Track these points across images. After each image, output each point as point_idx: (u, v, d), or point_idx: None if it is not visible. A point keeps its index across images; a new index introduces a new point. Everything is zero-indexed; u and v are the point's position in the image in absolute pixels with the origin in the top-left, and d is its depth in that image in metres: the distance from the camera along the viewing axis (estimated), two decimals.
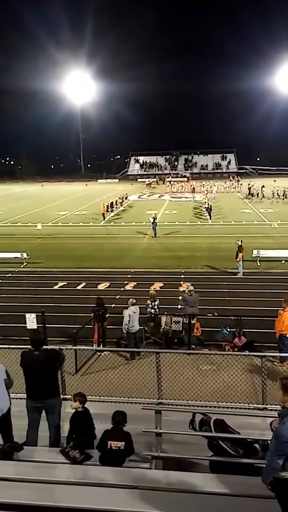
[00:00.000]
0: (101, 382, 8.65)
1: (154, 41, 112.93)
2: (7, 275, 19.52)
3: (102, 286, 17.51)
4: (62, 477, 4.84)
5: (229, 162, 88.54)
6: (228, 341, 11.49)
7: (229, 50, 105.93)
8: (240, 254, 18.32)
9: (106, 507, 4.27)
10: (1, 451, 5.37)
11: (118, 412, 5.43)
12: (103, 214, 35.19)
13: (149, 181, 66.69)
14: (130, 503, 4.34)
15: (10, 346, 8.02)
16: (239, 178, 62.35)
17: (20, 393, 5.98)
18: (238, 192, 53.69)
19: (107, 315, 11.85)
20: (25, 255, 21.42)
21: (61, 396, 6.35)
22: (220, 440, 5.20)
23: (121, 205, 42.11)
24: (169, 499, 4.46)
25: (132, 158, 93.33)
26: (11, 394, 5.80)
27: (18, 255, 21.49)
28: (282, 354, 9.81)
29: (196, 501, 4.45)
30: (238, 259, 18.35)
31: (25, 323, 10.93)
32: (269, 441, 4.72)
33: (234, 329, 11.60)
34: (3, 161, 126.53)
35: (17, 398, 5.98)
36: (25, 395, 5.84)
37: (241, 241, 18.95)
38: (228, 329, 11.71)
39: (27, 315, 11.16)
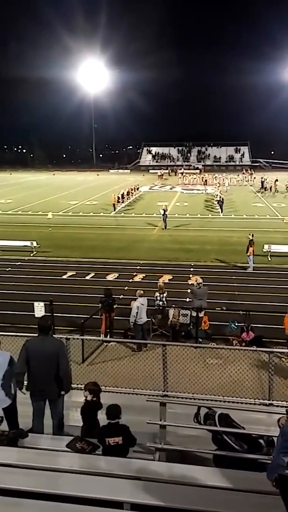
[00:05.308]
0: (107, 373, 8.68)
1: (169, 30, 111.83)
2: (17, 263, 19.63)
3: (110, 277, 17.53)
4: (65, 465, 4.86)
5: (242, 155, 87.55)
6: (236, 335, 11.43)
7: (245, 41, 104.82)
8: (250, 249, 18.17)
9: (107, 496, 4.28)
10: (6, 437, 5.41)
11: (111, 406, 5.22)
12: (114, 204, 35.14)
13: (161, 172, 66.34)
14: (132, 494, 4.34)
15: (17, 334, 8.06)
16: (252, 171, 61.64)
17: (26, 381, 5.99)
18: (251, 185, 53.14)
19: (115, 306, 11.86)
20: (35, 243, 21.51)
21: None
22: (224, 434, 5.18)
23: (132, 196, 42.00)
24: (171, 491, 4.45)
25: (145, 148, 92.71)
26: None
27: (28, 243, 21.57)
28: None
29: (198, 494, 4.43)
30: (248, 254, 18.20)
31: (34, 312, 11.00)
32: (274, 437, 4.70)
33: (243, 324, 11.53)
34: (15, 149, 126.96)
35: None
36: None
37: (252, 235, 18.78)
38: (236, 324, 11.65)
39: (36, 304, 11.23)
